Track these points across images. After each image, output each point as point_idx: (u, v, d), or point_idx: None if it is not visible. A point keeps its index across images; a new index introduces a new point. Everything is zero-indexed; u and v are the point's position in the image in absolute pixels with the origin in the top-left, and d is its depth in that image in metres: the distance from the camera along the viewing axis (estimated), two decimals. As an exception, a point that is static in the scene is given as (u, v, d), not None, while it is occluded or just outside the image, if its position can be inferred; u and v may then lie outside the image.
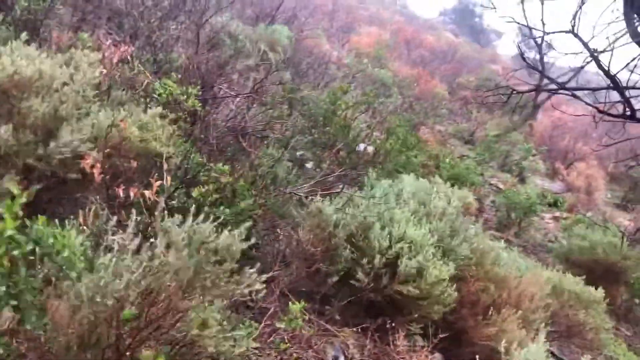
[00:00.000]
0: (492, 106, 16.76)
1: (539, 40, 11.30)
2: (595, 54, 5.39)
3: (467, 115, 15.58)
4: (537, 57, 17.13)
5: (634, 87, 5.70)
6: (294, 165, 5.79)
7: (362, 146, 7.52)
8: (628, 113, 5.80)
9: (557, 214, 10.71)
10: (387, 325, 3.95)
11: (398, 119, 9.17)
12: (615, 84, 5.51)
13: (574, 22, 5.42)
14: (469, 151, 12.75)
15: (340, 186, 5.24)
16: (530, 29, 6.52)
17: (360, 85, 11.23)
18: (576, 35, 5.46)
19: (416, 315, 3.99)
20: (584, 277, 6.00)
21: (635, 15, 5.77)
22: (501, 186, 11.01)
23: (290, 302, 3.50)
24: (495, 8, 6.65)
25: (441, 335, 3.87)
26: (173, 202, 3.38)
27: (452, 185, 7.19)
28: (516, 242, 8.82)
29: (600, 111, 6.06)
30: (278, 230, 4.58)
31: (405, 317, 4.05)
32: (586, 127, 14.81)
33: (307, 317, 3.89)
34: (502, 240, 8.68)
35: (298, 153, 6.29)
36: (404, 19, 28.98)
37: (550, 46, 13.63)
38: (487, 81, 17.07)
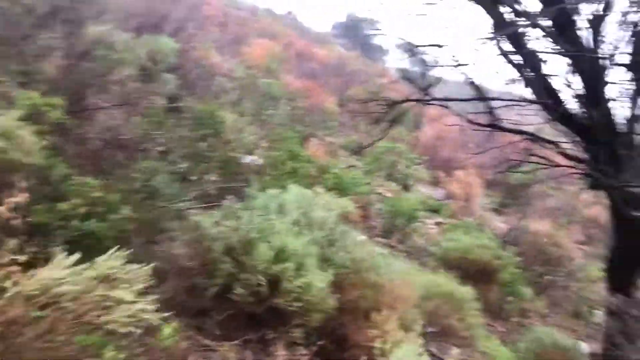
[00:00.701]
0: (380, 118, 17.45)
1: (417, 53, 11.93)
2: (460, 66, 5.80)
3: (356, 128, 16.06)
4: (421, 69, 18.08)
5: (497, 99, 6.19)
6: (176, 178, 5.65)
7: (248, 158, 7.51)
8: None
9: (439, 219, 11.32)
10: (269, 337, 3.96)
11: (287, 131, 9.26)
12: (480, 94, 5.96)
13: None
14: (358, 162, 13.14)
15: (223, 199, 5.18)
16: (410, 44, 6.92)
17: (249, 97, 11.22)
18: (441, 48, 5.84)
19: (297, 324, 4.02)
20: (458, 278, 6.40)
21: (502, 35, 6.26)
22: (388, 194, 11.43)
23: (165, 319, 3.38)
24: (379, 29, 6.93)
25: (321, 342, 3.95)
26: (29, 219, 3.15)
27: (337, 195, 7.38)
28: (400, 248, 9.20)
29: (469, 121, 6.52)
30: (154, 245, 4.42)
31: (286, 326, 4.07)
32: (467, 137, 15.79)
33: (185, 333, 3.79)
34: (387, 246, 9.08)
35: (180, 165, 6.14)
36: (296, 32, 29.37)
37: (434, 60, 14.43)
38: (375, 94, 17.67)
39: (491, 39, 5.92)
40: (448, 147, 16.00)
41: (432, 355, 5.73)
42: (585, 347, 7.74)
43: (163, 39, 9.96)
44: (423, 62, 10.71)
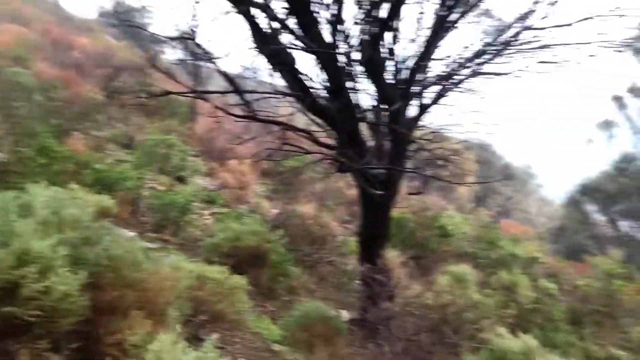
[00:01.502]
0: (153, 110, 16.99)
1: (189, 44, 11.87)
2: (214, 59, 5.98)
3: (126, 120, 15.39)
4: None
5: (253, 91, 6.51)
6: None
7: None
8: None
9: (215, 209, 11.49)
10: (12, 348, 3.63)
11: (40, 125, 8.46)
12: (235, 87, 6.21)
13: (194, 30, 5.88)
14: (128, 155, 12.63)
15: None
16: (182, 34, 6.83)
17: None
18: (195, 42, 5.92)
19: (42, 331, 3.76)
20: (230, 265, 6.61)
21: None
22: (160, 188, 11.21)
23: None
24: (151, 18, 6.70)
25: (73, 346, 3.76)
26: None
27: (99, 192, 7.02)
28: (174, 241, 9.12)
29: (228, 113, 6.74)
30: None
31: (30, 335, 3.77)
32: (241, 128, 16.20)
33: None
34: (160, 241, 8.93)
35: None
36: (55, 18, 26.81)
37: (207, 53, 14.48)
38: (148, 86, 17.13)
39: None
40: (223, 138, 16.23)
41: (198, 340, 5.85)
42: (346, 314, 8.64)
43: None
44: (193, 54, 10.67)
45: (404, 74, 7.28)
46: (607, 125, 19.25)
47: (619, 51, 9.08)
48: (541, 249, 15.91)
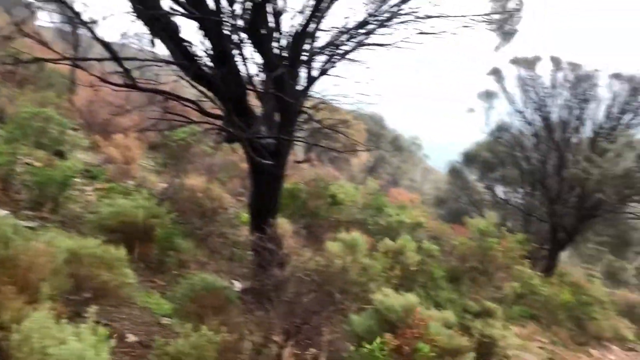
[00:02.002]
0: (25, 81, 15.69)
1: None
2: (90, 24, 5.62)
3: (-6, 91, 14.09)
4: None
5: (131, 59, 6.21)
6: None
7: None
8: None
9: (98, 185, 10.94)
10: None
11: None
12: (112, 54, 5.89)
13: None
14: (-2, 130, 11.62)
15: None
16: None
17: None
18: (67, 5, 5.54)
19: None
20: (116, 240, 6.36)
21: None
22: (37, 164, 10.46)
23: None
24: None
25: None
26: None
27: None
28: (54, 219, 8.60)
29: (106, 81, 6.39)
30: None
31: None
32: (124, 100, 15.42)
33: None
34: (37, 219, 8.38)
35: None
36: None
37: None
38: (18, 54, 15.74)
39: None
40: (105, 110, 15.36)
41: (81, 318, 5.63)
42: (239, 284, 8.68)
43: None
44: (68, 18, 9.93)
45: (288, 42, 7.30)
46: (487, 95, 20.54)
47: (488, 23, 9.71)
48: (426, 214, 16.85)
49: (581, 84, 17.60)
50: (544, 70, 18.66)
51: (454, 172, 24.06)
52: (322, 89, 9.32)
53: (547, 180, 19.07)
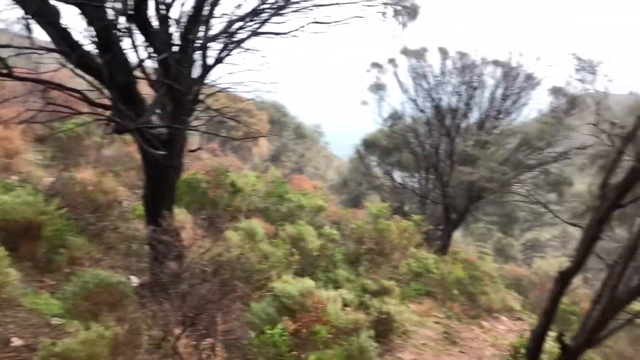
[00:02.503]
0: None
1: None
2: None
3: None
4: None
5: (8, 46, 5.80)
6: None
7: None
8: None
9: (-23, 182, 10.14)
10: None
11: None
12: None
13: None
14: None
15: None
16: None
17: None
18: None
19: None
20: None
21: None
22: None
23: None
24: None
25: None
26: None
27: None
28: None
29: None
30: None
31: None
32: (5, 90, 14.35)
33: None
34: None
35: None
36: None
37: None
38: None
39: None
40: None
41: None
42: (135, 279, 8.44)
43: None
44: None
45: (177, 29, 7.16)
46: (377, 87, 21.19)
47: (382, 12, 10.07)
48: (328, 200, 17.21)
49: (467, 72, 18.67)
50: (434, 60, 19.60)
51: (355, 159, 24.71)
52: (224, 78, 9.23)
53: (440, 164, 20.11)
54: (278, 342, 5.64)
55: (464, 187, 18.97)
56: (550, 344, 6.26)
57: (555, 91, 18.14)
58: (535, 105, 18.94)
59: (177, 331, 4.79)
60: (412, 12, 11.22)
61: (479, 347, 10.82)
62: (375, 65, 20.33)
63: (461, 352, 10.17)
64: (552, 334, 6.14)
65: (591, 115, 5.87)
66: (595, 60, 5.67)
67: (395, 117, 21.26)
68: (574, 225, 4.99)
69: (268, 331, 5.69)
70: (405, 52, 19.20)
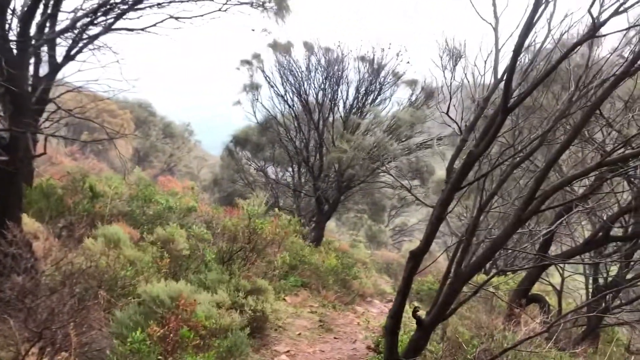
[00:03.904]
0: None
1: None
2: None
3: None
4: None
5: None
6: None
7: None
8: None
9: None
10: None
11: None
12: None
13: None
14: None
15: None
16: None
17: None
18: None
19: None
20: None
21: None
22: None
23: None
24: None
25: None
26: None
27: None
28: None
29: None
30: None
31: None
32: None
33: None
34: None
35: None
36: None
37: None
38: None
39: None
40: None
41: None
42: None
43: None
44: None
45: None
46: (251, 86, 21.13)
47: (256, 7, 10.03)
48: (199, 199, 16.87)
49: (332, 68, 19.21)
50: (300, 55, 19.92)
51: (228, 156, 24.43)
52: (77, 76, 8.66)
53: (310, 159, 20.54)
54: (142, 349, 5.42)
55: (333, 178, 19.56)
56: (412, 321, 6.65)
57: (412, 83, 19.31)
58: (398, 98, 19.99)
59: (23, 349, 4.42)
60: (279, 6, 11.28)
61: (353, 331, 11.25)
62: (245, 62, 20.23)
63: (335, 338, 10.50)
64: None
65: (444, 105, 6.28)
66: (459, 48, 6.03)
67: (267, 112, 21.35)
68: (432, 207, 5.33)
69: (130, 339, 5.44)
70: (274, 46, 19.30)
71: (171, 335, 5.84)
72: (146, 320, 6.48)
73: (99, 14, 8.22)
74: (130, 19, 9.40)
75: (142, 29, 9.50)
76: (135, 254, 8.95)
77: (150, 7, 8.92)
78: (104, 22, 9.08)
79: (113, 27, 9.27)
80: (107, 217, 10.58)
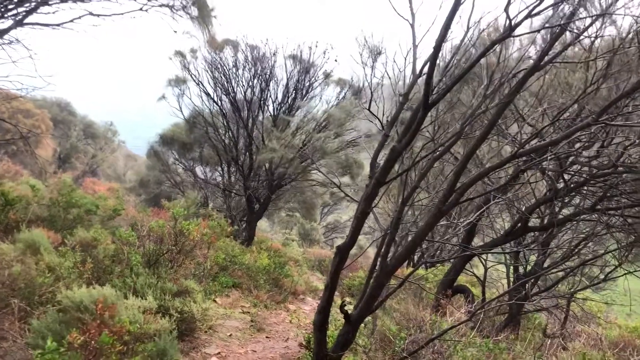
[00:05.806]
0: None
1: None
2: None
3: None
4: None
5: None
6: None
7: None
8: None
9: None
10: None
11: None
12: None
13: None
14: None
15: None
16: None
17: None
18: None
19: None
20: None
21: None
22: None
23: None
24: None
25: None
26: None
27: None
28: None
29: None
30: None
31: None
32: None
33: None
34: None
35: None
36: None
37: None
38: None
39: None
40: None
41: None
42: None
43: None
44: None
45: None
46: (176, 81, 20.67)
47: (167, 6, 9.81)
48: (124, 202, 16.33)
49: (260, 65, 19.11)
50: (228, 53, 19.66)
51: (154, 155, 23.76)
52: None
53: (240, 158, 20.35)
54: (54, 359, 5.17)
55: (264, 177, 19.48)
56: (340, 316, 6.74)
57: (340, 82, 19.54)
58: (327, 97, 20.15)
59: None
60: (201, 12, 11.09)
61: (285, 330, 11.26)
62: (179, 54, 19.74)
63: (267, 337, 10.47)
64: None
65: (367, 102, 6.37)
66: (379, 45, 6.12)
67: (194, 111, 20.93)
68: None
69: (48, 348, 5.18)
70: (210, 44, 18.95)
71: (92, 342, 5.62)
72: (68, 328, 6.20)
73: (9, 6, 7.78)
74: (44, 13, 8.98)
75: (58, 25, 9.10)
76: (56, 260, 8.55)
77: (64, 1, 8.53)
78: (15, 16, 8.62)
79: (25, 21, 8.82)
80: (24, 223, 10.02)
